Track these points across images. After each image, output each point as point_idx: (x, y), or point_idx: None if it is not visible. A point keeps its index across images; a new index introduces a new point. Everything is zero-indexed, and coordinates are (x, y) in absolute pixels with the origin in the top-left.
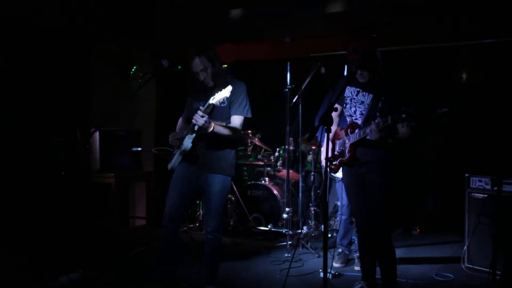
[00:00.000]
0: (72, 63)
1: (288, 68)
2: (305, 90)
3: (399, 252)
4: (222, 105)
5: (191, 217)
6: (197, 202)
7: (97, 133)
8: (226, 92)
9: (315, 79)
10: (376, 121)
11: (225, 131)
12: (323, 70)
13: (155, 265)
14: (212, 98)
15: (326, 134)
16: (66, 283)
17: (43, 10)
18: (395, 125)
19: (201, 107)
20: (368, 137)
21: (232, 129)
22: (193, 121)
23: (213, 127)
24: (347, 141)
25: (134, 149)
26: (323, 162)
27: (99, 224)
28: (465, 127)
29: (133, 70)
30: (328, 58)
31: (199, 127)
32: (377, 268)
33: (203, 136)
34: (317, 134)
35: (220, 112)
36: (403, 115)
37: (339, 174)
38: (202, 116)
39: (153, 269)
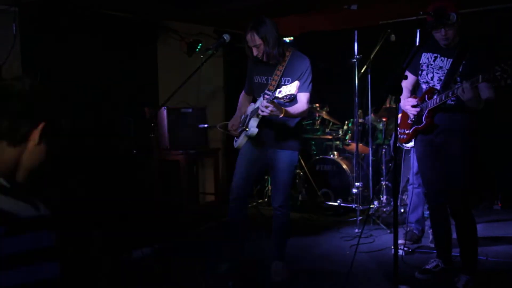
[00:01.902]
0: (139, 42)
1: (356, 38)
2: (374, 60)
3: (478, 228)
4: (286, 83)
5: (260, 192)
6: (266, 177)
7: (165, 111)
8: (292, 88)
9: (384, 47)
10: (465, 81)
11: (294, 113)
12: (393, 37)
13: (224, 240)
14: (278, 91)
15: (396, 105)
16: (139, 258)
17: None
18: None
19: (266, 96)
20: (449, 101)
21: (300, 108)
22: (259, 111)
23: (283, 113)
24: (424, 107)
25: (201, 125)
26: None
27: (170, 200)
28: None
29: (198, 46)
30: (398, 25)
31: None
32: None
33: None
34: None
35: None
36: (497, 73)
37: (411, 144)
38: (267, 107)
39: (221, 244)
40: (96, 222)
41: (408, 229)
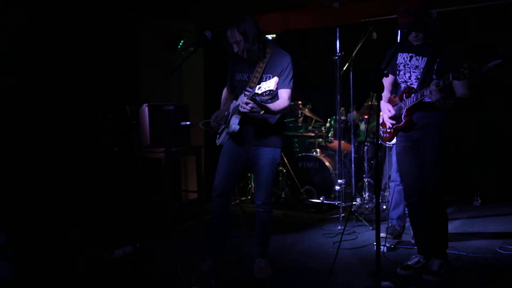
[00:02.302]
0: (120, 38)
1: (338, 35)
2: (356, 58)
3: (459, 224)
4: (267, 79)
5: (243, 189)
6: (249, 174)
7: (146, 108)
8: (272, 84)
9: (366, 45)
10: (434, 82)
11: (275, 109)
12: (374, 35)
13: (206, 238)
14: (258, 87)
15: (377, 102)
16: (121, 256)
17: None
18: (452, 87)
19: (246, 93)
20: (427, 99)
21: (281, 105)
22: (240, 108)
23: (264, 110)
24: (403, 106)
25: (183, 123)
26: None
27: (151, 198)
28: None
29: (180, 43)
30: (379, 23)
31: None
32: None
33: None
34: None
35: None
36: (466, 71)
37: (393, 142)
38: (247, 103)
39: (204, 241)
40: (76, 221)
41: (389, 224)
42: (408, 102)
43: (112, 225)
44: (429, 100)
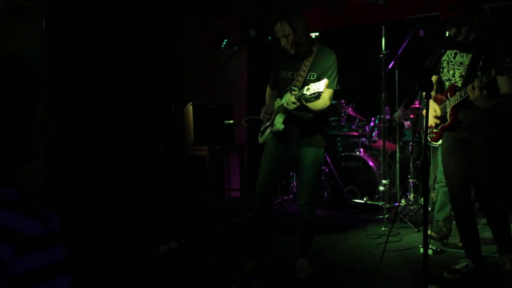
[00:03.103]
0: (165, 37)
1: (383, 33)
2: (401, 55)
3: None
4: (312, 78)
5: (285, 188)
6: (291, 174)
7: (191, 107)
8: (321, 86)
9: (412, 43)
10: (477, 78)
11: (315, 109)
12: (421, 32)
13: (249, 236)
14: (306, 88)
15: (426, 101)
16: (166, 252)
17: None
18: (496, 84)
19: (294, 92)
20: (470, 96)
21: (321, 104)
22: (285, 104)
23: (303, 109)
24: (447, 105)
25: (226, 121)
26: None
27: (195, 195)
28: None
29: (224, 42)
30: (426, 20)
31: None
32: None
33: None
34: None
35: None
36: (509, 65)
37: (440, 142)
38: (294, 103)
39: (247, 240)
40: (124, 216)
41: (435, 225)
42: (453, 101)
43: (157, 221)
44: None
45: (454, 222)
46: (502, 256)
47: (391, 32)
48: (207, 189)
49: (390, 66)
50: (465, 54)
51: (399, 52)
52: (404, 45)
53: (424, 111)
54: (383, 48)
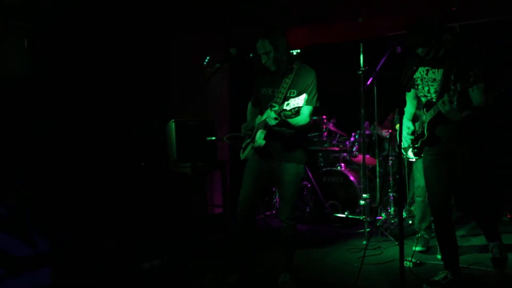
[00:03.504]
0: (150, 55)
1: (361, 50)
2: (379, 72)
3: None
4: (292, 95)
5: (268, 204)
6: (273, 189)
7: (173, 124)
8: (300, 101)
9: (390, 59)
10: (446, 93)
11: (295, 125)
12: (399, 49)
13: (232, 252)
14: (286, 104)
15: (399, 117)
16: (148, 269)
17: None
18: (468, 95)
19: (274, 109)
20: (442, 111)
21: (302, 121)
22: (267, 120)
23: (284, 125)
24: (424, 120)
25: (209, 138)
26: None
27: (178, 212)
28: None
29: (206, 59)
30: (403, 37)
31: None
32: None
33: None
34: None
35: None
36: (471, 78)
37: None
38: (275, 119)
39: (230, 256)
40: (106, 232)
41: (419, 234)
42: (428, 116)
43: (139, 238)
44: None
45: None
46: (490, 244)
47: (370, 49)
48: (190, 205)
49: (368, 83)
50: (436, 70)
51: (377, 69)
52: (382, 62)
53: (397, 126)
54: (362, 65)
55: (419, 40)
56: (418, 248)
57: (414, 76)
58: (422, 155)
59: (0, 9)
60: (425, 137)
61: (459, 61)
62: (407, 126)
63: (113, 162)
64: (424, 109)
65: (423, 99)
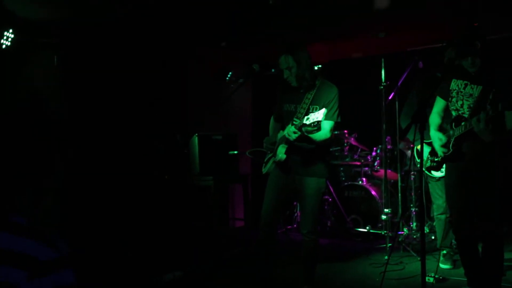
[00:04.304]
0: (172, 70)
1: (383, 65)
2: (401, 87)
3: (508, 256)
4: (314, 111)
5: (289, 217)
6: (295, 203)
7: (196, 138)
8: (320, 115)
9: (412, 74)
10: (484, 111)
11: (316, 140)
12: (420, 64)
13: (253, 266)
14: (306, 118)
15: (420, 132)
16: (170, 281)
17: (143, 17)
18: (503, 119)
19: (295, 123)
20: (475, 128)
21: (323, 136)
22: (286, 135)
23: (305, 141)
24: (451, 135)
25: (231, 152)
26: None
27: (200, 225)
28: None
29: (229, 75)
30: (425, 52)
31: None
32: None
33: (296, 145)
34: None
35: None
36: None
37: (440, 173)
38: (295, 132)
39: (251, 269)
40: (130, 244)
41: (445, 251)
42: (457, 131)
43: (162, 250)
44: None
45: None
46: None
47: (391, 64)
48: (212, 218)
49: (390, 97)
50: (475, 86)
51: (398, 84)
52: (403, 77)
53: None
54: (383, 80)
55: (472, 49)
56: (446, 266)
57: (451, 88)
58: (441, 170)
59: (30, 27)
60: (449, 152)
61: (499, 81)
62: (439, 137)
63: (138, 175)
64: (453, 123)
65: (454, 113)
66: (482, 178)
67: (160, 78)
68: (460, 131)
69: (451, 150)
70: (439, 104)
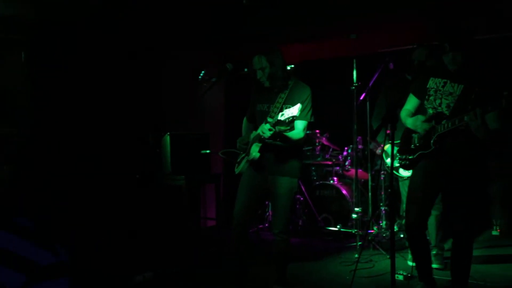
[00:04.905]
0: (145, 69)
1: (354, 66)
2: (372, 88)
3: (477, 253)
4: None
5: (261, 217)
6: (266, 203)
7: (168, 137)
8: (295, 110)
9: (383, 75)
10: (481, 106)
11: (289, 139)
12: (391, 66)
13: (225, 266)
14: (281, 114)
15: (391, 132)
16: (140, 282)
17: (114, 17)
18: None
19: (269, 120)
20: (471, 125)
21: (296, 136)
22: (260, 132)
23: (279, 139)
24: (433, 132)
25: (203, 151)
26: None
27: (171, 225)
28: None
29: (201, 74)
30: (396, 53)
31: (266, 138)
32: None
33: (269, 143)
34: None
35: None
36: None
37: (408, 173)
38: (270, 130)
39: (223, 269)
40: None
41: (434, 252)
42: (440, 128)
43: (132, 250)
44: (462, 128)
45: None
46: None
47: (363, 65)
48: (183, 218)
49: (361, 98)
50: (456, 84)
51: (370, 84)
52: (374, 78)
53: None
54: (355, 80)
55: (454, 42)
56: (436, 266)
57: (428, 86)
58: (407, 172)
59: None
60: (429, 149)
61: (483, 80)
62: (417, 118)
63: (108, 174)
64: (434, 120)
65: (431, 111)
66: (462, 177)
67: (133, 77)
68: (445, 128)
69: (433, 147)
70: (411, 102)
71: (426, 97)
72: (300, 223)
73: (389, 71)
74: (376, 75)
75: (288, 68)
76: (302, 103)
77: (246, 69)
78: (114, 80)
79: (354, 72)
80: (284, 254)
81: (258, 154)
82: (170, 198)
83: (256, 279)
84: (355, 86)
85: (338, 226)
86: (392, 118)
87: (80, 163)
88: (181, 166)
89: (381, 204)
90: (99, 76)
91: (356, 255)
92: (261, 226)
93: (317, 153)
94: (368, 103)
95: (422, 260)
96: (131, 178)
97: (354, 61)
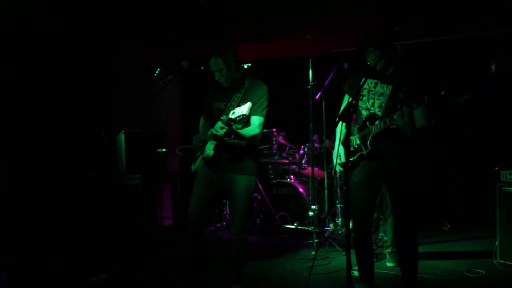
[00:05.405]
0: (98, 66)
1: (310, 65)
2: (328, 87)
3: (428, 248)
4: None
5: (218, 216)
6: (224, 201)
7: (123, 135)
8: (245, 109)
9: (338, 75)
10: (407, 105)
11: (245, 135)
12: (346, 66)
13: (182, 265)
14: (232, 112)
15: (346, 131)
16: (95, 284)
17: (70, 11)
18: (412, 116)
19: (222, 118)
20: (399, 122)
21: (251, 131)
22: (214, 131)
23: (233, 136)
24: (367, 133)
25: (159, 150)
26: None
27: (127, 224)
28: (493, 118)
29: (156, 72)
30: (351, 54)
31: (220, 136)
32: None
33: (225, 141)
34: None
35: None
36: (442, 92)
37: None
38: (222, 128)
39: (179, 269)
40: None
41: (388, 250)
42: (374, 129)
43: (87, 251)
44: (394, 127)
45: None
46: None
47: (318, 64)
48: (139, 218)
49: (317, 97)
50: (385, 85)
51: (325, 84)
52: (330, 77)
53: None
54: (311, 80)
55: (376, 41)
56: (391, 264)
57: (361, 86)
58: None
59: None
60: (366, 150)
61: (410, 81)
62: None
63: (60, 174)
64: (368, 122)
65: (364, 112)
66: (402, 176)
67: (86, 75)
68: (378, 128)
69: (369, 148)
70: (346, 101)
71: (360, 97)
72: (257, 221)
73: (344, 70)
74: (331, 75)
75: (245, 67)
76: (258, 101)
77: (202, 67)
78: (64, 76)
79: (310, 72)
80: (242, 253)
81: (212, 152)
82: (125, 198)
83: (213, 279)
84: (311, 85)
85: (295, 224)
86: (347, 116)
87: (30, 162)
88: (136, 165)
89: (337, 201)
90: (47, 74)
91: (313, 252)
92: (218, 225)
93: (274, 151)
94: (323, 102)
95: (366, 262)
96: (84, 177)
97: (310, 60)
